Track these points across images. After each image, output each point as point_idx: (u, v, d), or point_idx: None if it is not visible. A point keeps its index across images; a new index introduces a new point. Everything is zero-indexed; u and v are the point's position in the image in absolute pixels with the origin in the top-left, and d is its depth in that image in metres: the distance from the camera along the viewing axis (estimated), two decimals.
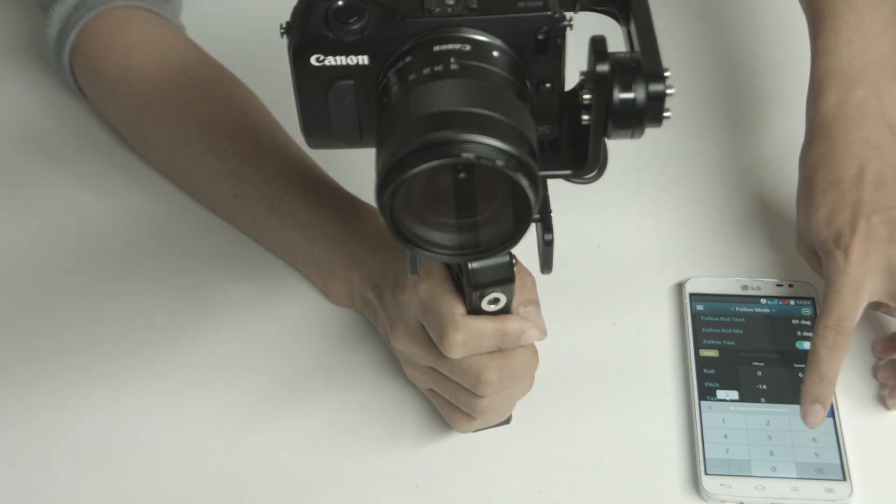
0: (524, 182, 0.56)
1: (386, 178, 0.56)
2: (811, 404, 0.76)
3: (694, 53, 1.07)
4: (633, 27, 0.65)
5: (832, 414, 0.79)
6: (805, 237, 0.83)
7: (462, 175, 0.59)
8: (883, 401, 0.81)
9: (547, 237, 0.64)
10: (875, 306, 0.80)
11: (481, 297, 0.70)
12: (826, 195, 0.81)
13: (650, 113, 0.60)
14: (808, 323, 0.84)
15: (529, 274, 0.74)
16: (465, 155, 0.55)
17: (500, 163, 0.56)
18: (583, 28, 0.64)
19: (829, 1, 0.87)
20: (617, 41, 0.63)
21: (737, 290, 0.87)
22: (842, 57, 0.84)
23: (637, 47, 0.64)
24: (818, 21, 0.87)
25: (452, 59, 0.59)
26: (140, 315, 0.87)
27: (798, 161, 0.85)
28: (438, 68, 0.59)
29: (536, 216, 0.64)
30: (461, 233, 0.61)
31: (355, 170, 0.86)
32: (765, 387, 0.81)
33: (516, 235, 0.60)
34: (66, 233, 0.93)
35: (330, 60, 0.62)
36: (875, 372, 0.82)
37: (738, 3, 1.12)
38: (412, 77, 0.59)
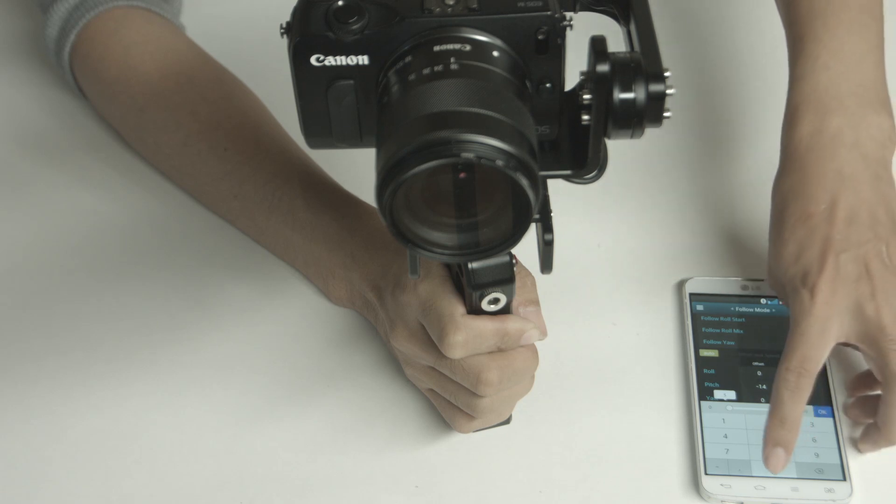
0: (524, 182, 0.56)
1: (386, 178, 0.56)
2: (773, 447, 0.74)
3: (694, 53, 1.07)
4: (632, 27, 0.66)
5: (832, 414, 0.79)
6: (774, 272, 0.80)
7: (462, 175, 0.59)
8: (854, 443, 0.79)
9: (547, 237, 0.64)
10: (844, 344, 0.77)
11: (481, 298, 0.70)
12: (796, 230, 0.78)
13: (650, 113, 0.60)
14: None
15: (529, 274, 0.74)
16: (466, 155, 0.55)
17: (500, 162, 0.56)
18: (582, 28, 0.64)
19: (808, 26, 0.84)
20: (616, 41, 0.63)
21: (737, 290, 0.87)
22: (818, 84, 0.81)
23: (637, 47, 0.64)
24: (797, 45, 0.84)
25: (452, 59, 0.59)
26: (140, 315, 0.88)
27: (772, 188, 0.82)
28: (439, 68, 0.59)
29: (536, 216, 0.64)
30: (461, 233, 0.61)
31: (355, 170, 0.86)
32: (764, 387, 0.81)
33: (517, 235, 0.60)
34: (66, 233, 0.93)
35: (330, 60, 0.62)
36: (846, 409, 0.80)
37: (738, 2, 1.12)
38: (412, 77, 0.59)
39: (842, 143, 0.79)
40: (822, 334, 0.75)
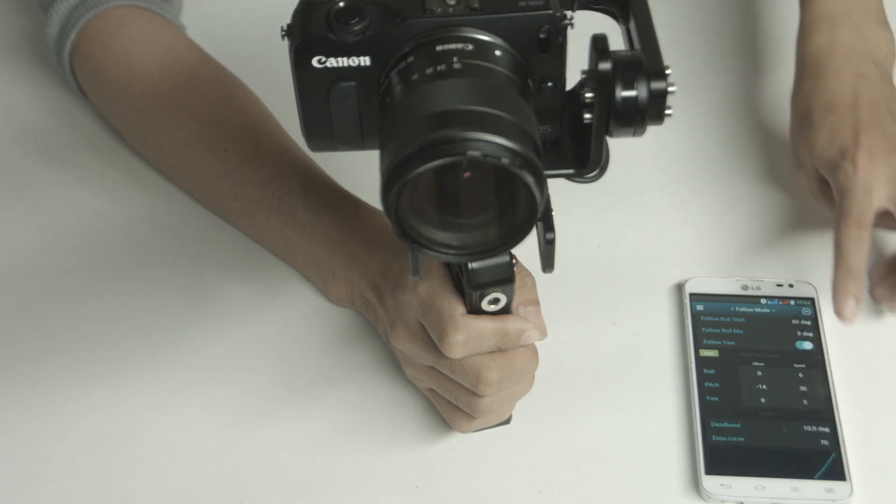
0: (530, 180, 0.56)
1: (391, 178, 0.56)
2: (845, 297, 0.80)
3: (694, 52, 1.07)
4: (632, 25, 0.66)
5: (832, 414, 0.79)
6: (807, 163, 0.87)
7: (467, 174, 0.59)
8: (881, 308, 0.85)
9: (549, 236, 0.64)
10: (877, 222, 0.84)
11: (481, 298, 0.70)
12: (825, 119, 0.86)
13: (652, 110, 0.60)
14: (808, 323, 0.84)
15: (529, 274, 0.74)
16: (471, 153, 0.55)
17: (505, 160, 0.56)
18: (579, 27, 0.64)
19: None
20: (614, 40, 0.63)
21: (737, 290, 0.87)
22: (828, 4, 0.91)
23: (637, 45, 0.64)
24: None
25: (455, 59, 0.59)
26: (140, 315, 0.87)
27: (790, 101, 0.91)
28: (442, 68, 0.59)
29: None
30: (466, 232, 0.61)
31: (355, 170, 0.86)
32: (765, 387, 0.81)
33: (522, 233, 0.60)
34: (66, 233, 0.93)
35: (331, 62, 0.62)
36: (871, 292, 0.86)
37: (737, 2, 1.12)
38: (415, 77, 0.59)
39: (854, 50, 0.89)
40: (868, 195, 0.82)
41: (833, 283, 0.81)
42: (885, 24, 0.93)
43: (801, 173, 0.89)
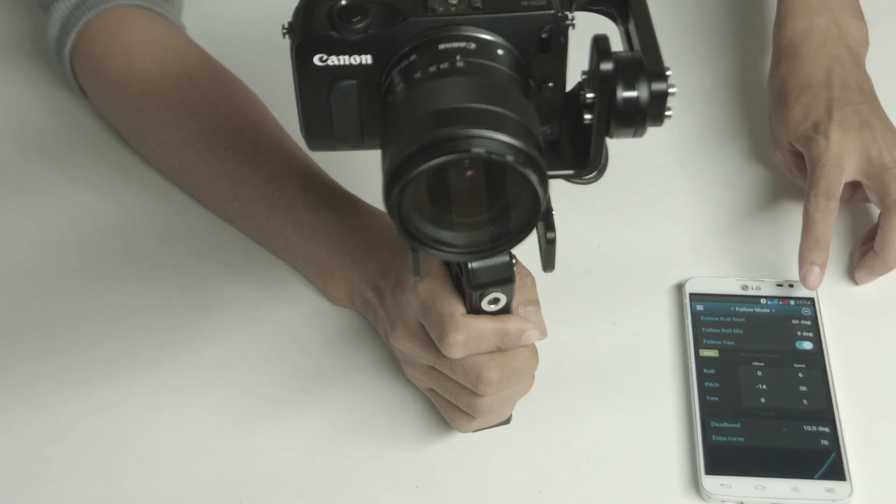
0: (533, 178, 0.56)
1: (394, 175, 0.56)
2: (810, 265, 0.84)
3: (694, 53, 1.07)
4: (631, 26, 0.66)
5: (832, 414, 0.79)
6: (782, 139, 0.91)
7: (470, 172, 0.59)
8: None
9: (549, 235, 0.64)
10: (849, 195, 0.89)
11: (481, 298, 0.70)
12: (800, 97, 0.90)
13: (653, 111, 0.60)
14: (808, 323, 0.84)
15: (529, 274, 0.74)
16: (476, 150, 0.55)
17: (509, 158, 0.56)
18: (577, 29, 0.64)
19: None
20: (613, 41, 0.63)
21: (737, 290, 0.87)
22: None
23: (636, 46, 0.64)
24: None
25: (458, 57, 0.60)
26: (140, 315, 0.87)
27: (767, 82, 0.95)
28: (444, 66, 0.59)
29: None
30: (469, 231, 0.61)
31: (355, 170, 0.86)
32: (765, 387, 0.81)
33: (524, 231, 0.60)
34: (66, 233, 0.93)
35: (333, 60, 0.62)
36: (854, 274, 0.88)
37: (737, 3, 1.12)
38: (418, 75, 0.59)
39: (829, 35, 0.93)
40: (839, 167, 0.86)
41: (800, 251, 0.84)
42: (859, 14, 0.97)
43: (778, 150, 0.93)
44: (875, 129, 0.87)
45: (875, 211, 0.89)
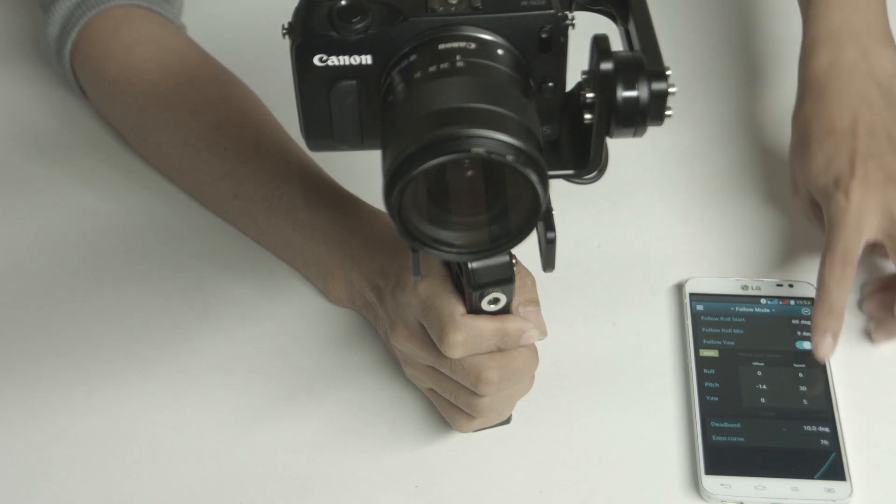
0: (534, 178, 0.56)
1: (395, 175, 0.56)
2: (823, 334, 0.80)
3: (693, 53, 1.07)
4: (631, 26, 0.66)
5: (832, 414, 0.79)
6: (802, 187, 0.87)
7: (470, 172, 0.59)
8: (869, 335, 0.84)
9: (549, 235, 0.64)
10: (869, 251, 0.84)
11: (481, 297, 0.70)
12: (823, 144, 0.85)
13: (653, 111, 0.60)
14: (808, 323, 0.84)
15: (529, 274, 0.74)
16: (476, 150, 0.55)
17: (509, 158, 0.56)
18: (577, 29, 0.64)
19: None
20: (613, 41, 0.63)
21: (737, 290, 0.87)
22: (832, 22, 0.89)
23: (636, 46, 0.64)
24: None
25: (458, 57, 0.60)
26: (140, 315, 0.87)
27: (791, 120, 0.89)
28: (444, 66, 0.59)
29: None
30: (468, 230, 0.61)
31: (355, 170, 0.86)
32: (765, 387, 0.81)
33: (525, 232, 0.60)
34: (66, 233, 0.93)
35: (333, 60, 0.62)
36: (860, 304, 0.86)
37: (736, 3, 1.12)
38: (418, 75, 0.59)
39: (858, 71, 0.87)
40: (858, 229, 0.81)
41: (812, 317, 0.81)
42: (891, 42, 0.90)
43: (797, 195, 0.88)
44: None
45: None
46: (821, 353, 0.80)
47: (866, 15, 0.90)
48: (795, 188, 0.88)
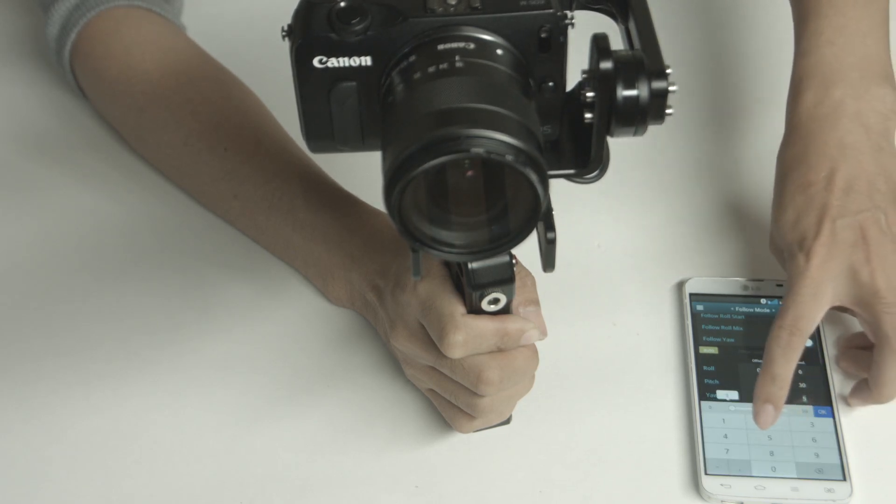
0: (534, 178, 0.56)
1: (395, 176, 0.56)
2: (763, 404, 0.76)
3: (694, 51, 1.07)
4: (632, 25, 0.66)
5: (832, 414, 0.79)
6: (774, 238, 0.82)
7: (470, 172, 0.59)
8: (845, 399, 0.81)
9: (550, 235, 0.64)
10: (842, 309, 0.79)
11: (481, 298, 0.70)
12: (795, 197, 0.80)
13: (653, 109, 0.61)
14: None
15: (529, 274, 0.74)
16: (475, 150, 0.55)
17: (509, 157, 0.56)
18: (577, 28, 0.64)
19: (814, 3, 0.86)
20: (613, 40, 0.63)
21: (737, 290, 0.87)
22: (822, 57, 0.83)
23: (636, 45, 0.64)
24: (802, 23, 0.86)
25: (457, 57, 0.60)
26: (140, 315, 0.88)
27: (776, 159, 0.84)
28: (444, 66, 0.59)
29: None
30: (468, 230, 0.61)
31: (355, 170, 0.86)
32: None
33: (525, 232, 0.60)
34: (66, 233, 0.93)
35: (333, 62, 0.62)
36: (837, 361, 0.83)
37: (736, 3, 1.12)
38: (417, 75, 0.60)
39: (844, 113, 0.81)
40: (815, 296, 0.76)
41: (755, 386, 0.76)
42: (887, 80, 0.83)
43: (772, 245, 0.84)
44: (872, 245, 0.76)
45: None
46: (760, 423, 0.76)
47: (862, 49, 0.83)
48: (770, 236, 0.84)
